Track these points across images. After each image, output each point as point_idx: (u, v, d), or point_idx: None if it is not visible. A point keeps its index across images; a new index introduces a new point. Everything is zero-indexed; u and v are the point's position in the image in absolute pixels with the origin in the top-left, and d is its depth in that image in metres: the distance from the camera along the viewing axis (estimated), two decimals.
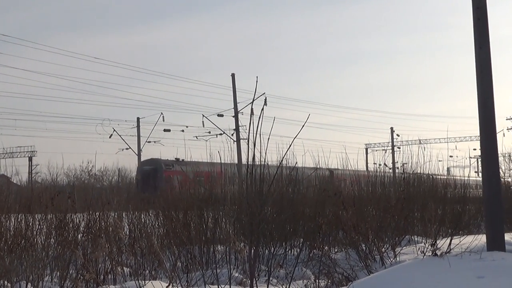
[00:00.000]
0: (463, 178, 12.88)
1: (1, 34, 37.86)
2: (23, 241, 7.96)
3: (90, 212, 8.84)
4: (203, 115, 40.40)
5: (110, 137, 43.36)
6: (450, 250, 7.45)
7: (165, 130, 43.79)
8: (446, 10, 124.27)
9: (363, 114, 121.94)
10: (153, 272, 8.81)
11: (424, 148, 13.30)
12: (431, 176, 13.10)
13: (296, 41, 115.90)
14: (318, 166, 12.69)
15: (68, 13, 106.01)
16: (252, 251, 6.40)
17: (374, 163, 14.75)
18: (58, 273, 7.90)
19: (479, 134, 7.97)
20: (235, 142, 36.52)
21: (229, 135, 36.54)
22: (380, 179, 12.04)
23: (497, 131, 8.24)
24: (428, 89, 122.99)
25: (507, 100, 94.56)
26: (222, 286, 6.36)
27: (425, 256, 7.57)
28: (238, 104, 39.60)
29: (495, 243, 7.50)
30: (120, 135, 43.85)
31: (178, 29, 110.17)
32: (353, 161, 18.75)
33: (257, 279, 7.06)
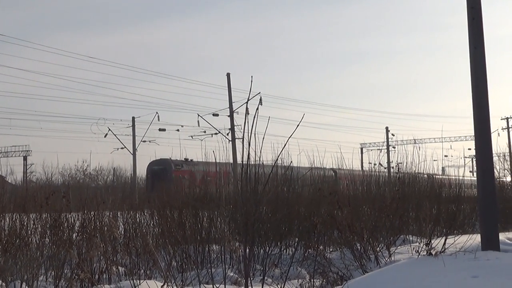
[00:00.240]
0: (457, 177, 12.93)
1: None
2: (17, 241, 7.95)
3: (85, 212, 8.82)
4: (198, 115, 40.36)
5: (105, 136, 43.25)
6: (445, 249, 7.46)
7: (160, 130, 43.68)
8: (446, 10, 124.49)
9: (358, 114, 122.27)
10: (148, 272, 8.80)
11: (419, 147, 13.35)
12: (431, 176, 13.15)
13: (294, 41, 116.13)
14: (323, 167, 12.75)
15: (63, 13, 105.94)
16: (247, 250, 6.40)
17: (369, 163, 14.78)
18: (53, 272, 7.89)
19: (473, 134, 8.00)
20: (230, 142, 36.54)
21: (224, 134, 36.51)
22: (375, 179, 12.08)
23: (492, 130, 8.27)
24: (427, 89, 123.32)
25: (502, 100, 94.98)
26: (217, 285, 6.36)
27: (419, 256, 7.59)
28: (233, 104, 39.57)
29: (490, 243, 7.52)
30: (115, 135, 43.74)
31: (174, 29, 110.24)
32: (348, 160, 18.76)
33: (252, 278, 7.06)
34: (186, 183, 12.12)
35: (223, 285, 6.37)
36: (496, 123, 57.41)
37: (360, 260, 8.76)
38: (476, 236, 7.82)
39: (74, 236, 8.54)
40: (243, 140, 6.35)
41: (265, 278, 7.31)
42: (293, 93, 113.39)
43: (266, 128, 6.44)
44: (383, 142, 58.12)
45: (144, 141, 44.89)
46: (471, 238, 7.72)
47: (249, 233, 6.40)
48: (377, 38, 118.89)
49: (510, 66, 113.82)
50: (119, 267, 8.66)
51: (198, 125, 40.61)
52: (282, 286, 7.04)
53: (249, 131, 6.22)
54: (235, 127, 38.04)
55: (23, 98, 77.14)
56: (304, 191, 11.94)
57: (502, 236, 8.17)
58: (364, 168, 17.45)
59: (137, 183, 39.06)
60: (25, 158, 54.29)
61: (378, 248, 9.08)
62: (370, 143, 60.14)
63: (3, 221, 8.10)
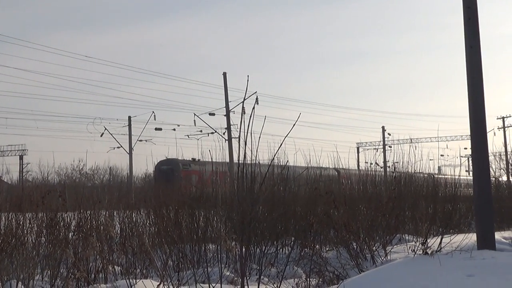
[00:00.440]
0: (454, 177, 12.95)
1: None
2: (13, 240, 7.93)
3: (81, 211, 8.81)
4: (195, 114, 40.35)
5: (101, 135, 43.20)
6: (441, 248, 7.47)
7: (156, 129, 43.67)
8: (444, 10, 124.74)
9: (355, 113, 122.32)
10: (144, 271, 8.80)
11: (415, 147, 13.37)
12: (432, 175, 13.17)
13: (293, 41, 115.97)
14: (327, 166, 12.77)
15: (59, 12, 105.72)
16: (243, 249, 6.39)
17: (366, 162, 14.78)
18: (49, 272, 7.88)
19: (469, 133, 8.01)
20: (227, 141, 36.54)
21: (220, 134, 36.51)
22: (371, 178, 12.09)
23: (488, 130, 8.28)
24: (424, 88, 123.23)
25: (498, 99, 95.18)
26: (213, 284, 6.36)
27: (415, 255, 7.60)
28: (230, 103, 39.57)
29: (485, 242, 7.54)
30: (111, 134, 43.68)
31: (173, 29, 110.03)
32: (344, 160, 18.81)
33: (248, 277, 7.06)
34: (193, 183, 12.18)
35: (220, 285, 6.37)
36: (492, 123, 57.56)
37: (356, 259, 8.78)
38: (472, 235, 7.84)
39: (70, 236, 8.52)
40: (239, 140, 6.35)
41: (262, 277, 7.32)
42: (292, 92, 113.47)
43: (262, 127, 6.44)
44: (379, 141, 58.21)
45: (141, 141, 44.90)
46: (467, 237, 7.73)
47: (246, 232, 6.40)
48: (376, 37, 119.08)
49: (506, 66, 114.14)
50: (115, 266, 8.65)
51: (195, 125, 40.64)
52: (278, 285, 7.04)
53: (246, 131, 6.22)
54: (231, 126, 38.05)
55: (19, 98, 77.14)
56: (300, 190, 11.95)
57: (497, 235, 8.20)
58: (360, 168, 17.47)
59: (133, 183, 38.95)
60: (21, 158, 54.25)
61: (374, 247, 9.09)
62: (366, 143, 60.36)
63: None
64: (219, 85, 42.09)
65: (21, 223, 8.18)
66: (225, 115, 39.63)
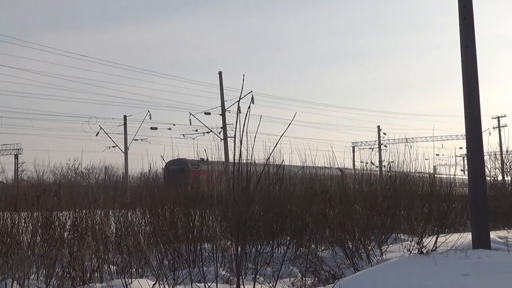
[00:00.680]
0: (449, 176, 12.96)
1: None
2: (8, 239, 7.91)
3: (77, 210, 8.79)
4: (190, 113, 40.33)
5: (96, 135, 43.15)
6: (436, 248, 7.49)
7: (152, 128, 43.63)
8: (443, 9, 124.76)
9: (350, 113, 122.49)
10: (139, 270, 8.78)
11: (411, 146, 13.38)
12: (432, 175, 13.19)
13: (292, 40, 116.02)
14: (330, 166, 12.78)
15: (54, 11, 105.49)
16: (239, 249, 6.40)
17: (361, 162, 14.82)
18: (44, 271, 7.85)
19: (465, 133, 8.02)
20: (222, 140, 36.53)
21: (216, 133, 36.51)
22: (366, 177, 12.09)
23: (483, 130, 8.29)
24: (420, 88, 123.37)
25: (493, 98, 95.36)
26: (209, 284, 6.36)
27: (411, 254, 7.61)
28: (226, 102, 39.52)
29: (481, 241, 7.55)
30: (106, 133, 43.63)
31: (171, 28, 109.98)
32: (340, 159, 18.82)
33: (243, 277, 7.07)
34: (202, 182, 12.22)
35: (215, 284, 6.37)
36: (487, 122, 57.63)
37: (352, 258, 8.78)
38: (467, 235, 7.85)
39: (65, 235, 8.50)
40: (234, 139, 6.35)
41: (257, 276, 7.32)
42: (291, 92, 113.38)
43: (258, 126, 6.45)
44: (375, 141, 58.36)
45: (136, 140, 44.83)
46: (462, 237, 7.74)
47: (241, 232, 6.40)
48: (375, 37, 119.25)
49: (502, 65, 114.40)
50: (110, 265, 8.64)
51: (190, 124, 40.60)
52: (274, 284, 7.05)
53: (241, 130, 6.23)
54: (227, 125, 38.02)
55: (14, 97, 76.92)
56: (296, 190, 11.94)
57: (493, 235, 8.20)
58: (356, 167, 17.50)
59: (128, 182, 38.88)
60: (16, 157, 54.09)
61: (370, 247, 9.10)
62: (361, 142, 60.45)
63: None
64: (215, 85, 42.07)
65: (16, 222, 8.16)
66: (220, 115, 39.63)
